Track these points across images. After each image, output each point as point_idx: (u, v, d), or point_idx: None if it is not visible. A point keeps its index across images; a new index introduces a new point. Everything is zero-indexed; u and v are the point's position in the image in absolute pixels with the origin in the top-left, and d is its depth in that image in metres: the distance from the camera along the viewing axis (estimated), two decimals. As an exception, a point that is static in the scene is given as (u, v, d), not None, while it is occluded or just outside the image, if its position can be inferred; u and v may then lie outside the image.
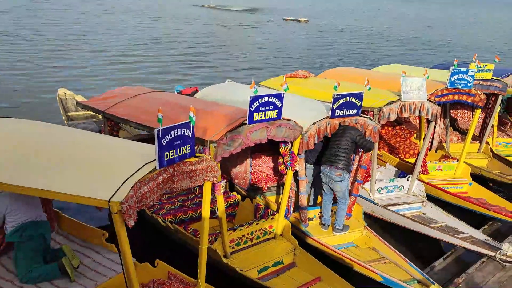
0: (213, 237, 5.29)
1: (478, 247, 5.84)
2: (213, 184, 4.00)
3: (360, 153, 6.14)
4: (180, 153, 3.48)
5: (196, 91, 7.44)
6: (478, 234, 6.19)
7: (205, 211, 4.09)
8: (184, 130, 3.49)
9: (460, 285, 5.31)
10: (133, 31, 29.47)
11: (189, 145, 3.57)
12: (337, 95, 5.47)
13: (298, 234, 5.99)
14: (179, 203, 6.39)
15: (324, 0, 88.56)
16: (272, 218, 5.80)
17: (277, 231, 5.82)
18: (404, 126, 9.80)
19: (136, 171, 3.22)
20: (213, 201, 5.33)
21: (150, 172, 3.26)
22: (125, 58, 20.47)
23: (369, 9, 73.05)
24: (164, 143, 3.29)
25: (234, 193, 6.59)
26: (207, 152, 4.72)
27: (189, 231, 5.50)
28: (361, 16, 57.39)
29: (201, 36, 29.71)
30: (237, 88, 7.19)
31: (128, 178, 3.14)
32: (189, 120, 3.56)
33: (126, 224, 3.04)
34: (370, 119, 5.91)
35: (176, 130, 3.40)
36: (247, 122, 4.94)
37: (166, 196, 6.53)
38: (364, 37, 35.49)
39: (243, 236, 5.54)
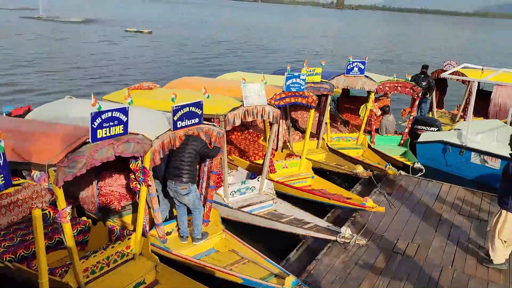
0: (63, 269, 4.84)
1: (322, 234, 6.44)
2: (58, 211, 3.66)
3: (210, 160, 6.26)
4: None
5: (29, 110, 6.69)
6: (322, 222, 6.85)
7: (39, 241, 3.73)
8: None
9: (312, 271, 5.79)
10: None
11: (1, 176, 3.19)
12: (176, 106, 5.48)
13: (159, 252, 5.85)
14: (18, 239, 5.68)
15: (169, 11, 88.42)
16: (129, 238, 5.55)
17: (135, 251, 5.59)
18: (251, 130, 10.33)
19: None
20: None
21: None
22: None
23: (218, 20, 75.42)
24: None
25: (84, 218, 6.13)
26: (45, 178, 4.30)
27: (34, 268, 4.94)
28: (207, 26, 58.83)
29: (33, 50, 27.05)
30: (77, 105, 6.70)
31: None
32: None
33: None
34: (214, 125, 6.06)
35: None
36: (90, 141, 4.64)
37: (2, 233, 5.76)
38: (210, 46, 36.44)
39: (98, 262, 5.19)
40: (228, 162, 8.12)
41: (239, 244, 6.10)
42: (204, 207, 6.31)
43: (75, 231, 5.75)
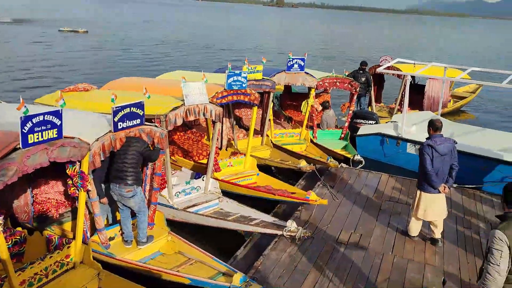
0: (-4, 284, 4.56)
1: (268, 229, 6.52)
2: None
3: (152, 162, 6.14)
4: None
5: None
6: (268, 218, 6.93)
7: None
8: None
9: (259, 267, 5.84)
10: None
11: None
12: (117, 107, 5.33)
13: (102, 258, 5.65)
14: None
15: (107, 10, 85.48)
16: (69, 247, 5.32)
17: (76, 260, 5.38)
18: (195, 130, 10.25)
19: None
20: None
21: None
22: None
23: (158, 18, 73.89)
24: None
25: (19, 228, 5.80)
26: (-28, 188, 4.02)
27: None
28: (146, 25, 57.48)
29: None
30: (5, 109, 6.31)
31: None
32: None
33: None
34: (156, 126, 5.95)
35: None
36: (20, 146, 4.39)
37: None
38: (150, 46, 35.66)
39: (36, 274, 4.94)
40: (171, 163, 8.02)
41: (185, 245, 6.03)
42: (148, 210, 6.18)
43: (9, 243, 5.44)
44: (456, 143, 6.40)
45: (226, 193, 7.83)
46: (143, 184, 6.22)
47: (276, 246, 6.35)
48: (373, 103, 14.12)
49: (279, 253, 6.21)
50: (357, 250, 6.43)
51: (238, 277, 5.04)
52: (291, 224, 6.42)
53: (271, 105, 9.95)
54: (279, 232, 6.41)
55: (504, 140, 9.59)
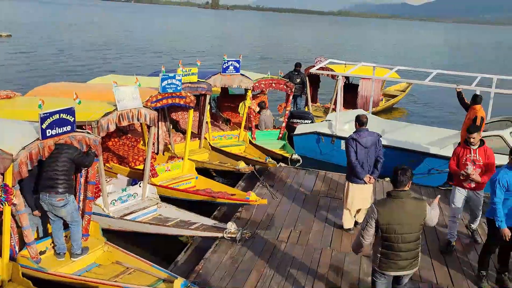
0: None
1: (209, 232, 6.48)
2: None
3: (85, 170, 5.89)
4: None
5: None
6: (208, 221, 6.89)
7: None
8: None
9: (200, 271, 5.79)
10: None
11: None
12: (44, 113, 5.07)
13: (33, 274, 5.34)
14: None
15: (34, 12, 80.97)
16: (-5, 265, 4.98)
17: (3, 278, 5.06)
18: (130, 135, 9.97)
19: None
20: None
21: None
22: None
23: (89, 21, 71.04)
24: None
25: None
26: None
27: None
28: (76, 28, 55.11)
29: None
30: None
31: None
32: None
33: None
34: (88, 132, 5.73)
35: None
36: None
37: None
38: (79, 49, 34.21)
39: (-43, 297, 4.58)
40: (107, 170, 7.76)
41: (123, 255, 5.85)
42: (82, 221, 5.92)
43: None
44: (381, 136, 6.85)
45: (164, 199, 7.68)
46: (77, 194, 5.95)
47: (217, 249, 6.33)
48: (310, 103, 14.48)
49: (221, 255, 6.19)
50: (297, 247, 6.56)
51: (178, 282, 4.96)
52: (232, 226, 6.43)
53: (207, 107, 9.92)
54: (220, 235, 6.39)
55: (431, 135, 10.23)
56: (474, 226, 6.99)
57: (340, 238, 6.90)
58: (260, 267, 5.96)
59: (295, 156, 10.14)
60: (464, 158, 6.26)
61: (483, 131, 8.53)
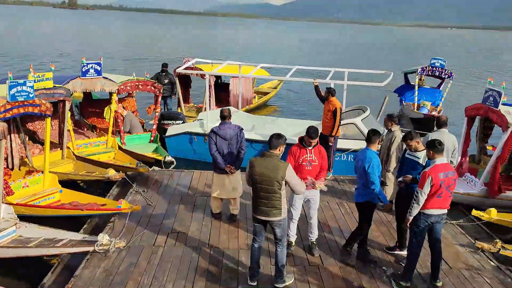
0: None
1: (78, 248, 6.01)
2: None
3: None
4: None
5: None
6: (77, 236, 6.39)
7: None
8: None
9: (71, 290, 5.38)
10: None
11: None
12: None
13: None
14: None
15: None
16: None
17: None
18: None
19: None
20: None
21: None
22: None
23: None
24: None
25: None
26: None
27: None
28: None
29: None
30: None
31: None
32: None
33: None
34: None
35: None
36: None
37: None
38: None
39: None
40: None
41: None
42: None
43: None
44: (243, 129, 7.18)
45: (24, 218, 6.94)
46: None
47: (88, 264, 5.93)
48: (182, 104, 14.35)
49: (93, 270, 5.82)
50: (176, 249, 6.47)
51: (45, 307, 4.53)
52: (103, 238, 6.06)
53: (68, 114, 9.21)
54: (91, 248, 5.98)
55: (297, 126, 10.91)
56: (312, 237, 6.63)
57: (217, 235, 6.98)
58: (137, 277, 5.74)
59: (169, 158, 9.98)
60: (301, 159, 6.13)
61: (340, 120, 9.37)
